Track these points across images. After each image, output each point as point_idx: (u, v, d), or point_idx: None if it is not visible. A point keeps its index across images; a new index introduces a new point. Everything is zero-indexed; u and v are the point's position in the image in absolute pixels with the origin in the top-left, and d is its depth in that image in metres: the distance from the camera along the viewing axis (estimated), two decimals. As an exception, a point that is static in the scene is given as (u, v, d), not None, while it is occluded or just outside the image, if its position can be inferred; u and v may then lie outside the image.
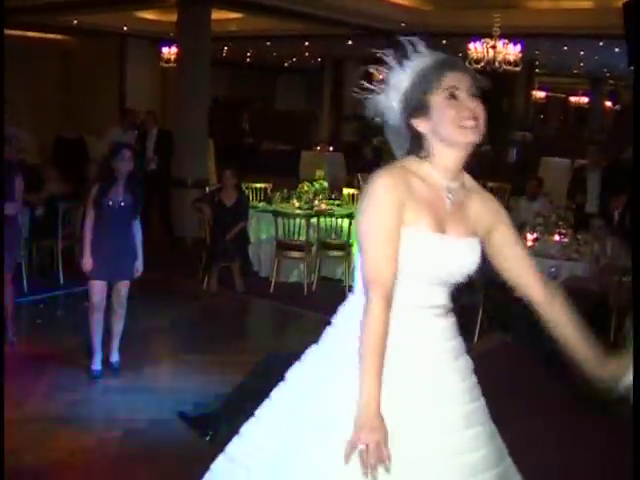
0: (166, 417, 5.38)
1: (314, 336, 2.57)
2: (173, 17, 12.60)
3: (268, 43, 19.10)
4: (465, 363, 2.54)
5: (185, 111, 11.86)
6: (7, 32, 14.94)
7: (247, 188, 10.57)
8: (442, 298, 2.49)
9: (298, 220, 9.08)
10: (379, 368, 2.21)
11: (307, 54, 21.62)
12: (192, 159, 11.88)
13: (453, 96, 2.34)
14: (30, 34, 16.26)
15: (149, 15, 16.06)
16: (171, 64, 15.87)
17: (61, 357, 6.60)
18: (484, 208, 2.55)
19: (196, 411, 5.16)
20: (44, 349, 6.80)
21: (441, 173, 2.44)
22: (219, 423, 4.86)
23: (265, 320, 8.85)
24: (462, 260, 2.44)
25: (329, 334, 2.53)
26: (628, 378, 2.42)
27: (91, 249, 6.21)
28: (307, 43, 18.96)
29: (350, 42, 18.08)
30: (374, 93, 2.49)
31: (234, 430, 4.68)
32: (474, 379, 2.55)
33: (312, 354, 2.56)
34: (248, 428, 2.67)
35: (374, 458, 2.12)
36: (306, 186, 10.36)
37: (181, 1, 11.77)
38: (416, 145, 2.45)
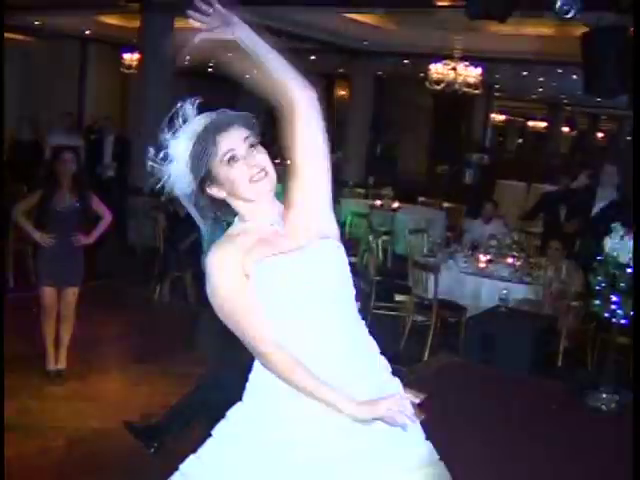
0: (111, 427, 5.31)
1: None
2: (136, 23, 12.54)
3: (230, 54, 19.07)
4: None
5: (144, 118, 11.79)
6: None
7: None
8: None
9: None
10: (314, 379, 2.27)
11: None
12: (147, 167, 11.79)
13: (234, 159, 2.36)
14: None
15: (112, 20, 15.95)
16: (132, 70, 15.78)
17: (8, 362, 6.49)
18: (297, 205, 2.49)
19: (142, 421, 5.11)
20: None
21: (257, 220, 2.45)
22: (165, 434, 4.82)
23: (216, 333, 8.76)
24: (316, 266, 2.39)
25: (248, 398, 2.50)
26: None
27: (40, 254, 6.19)
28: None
29: (313, 57, 18.13)
30: (159, 164, 2.45)
31: (180, 442, 4.66)
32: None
33: (237, 413, 2.52)
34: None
35: (396, 414, 2.19)
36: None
37: (145, 8, 11.72)
38: (220, 210, 2.47)
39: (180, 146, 2.42)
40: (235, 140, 2.37)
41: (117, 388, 6.32)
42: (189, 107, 2.47)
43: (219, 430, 2.51)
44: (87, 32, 16.71)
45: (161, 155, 2.44)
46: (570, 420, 5.72)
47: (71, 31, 16.60)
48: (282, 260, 2.36)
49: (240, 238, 2.40)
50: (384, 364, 2.49)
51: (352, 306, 2.47)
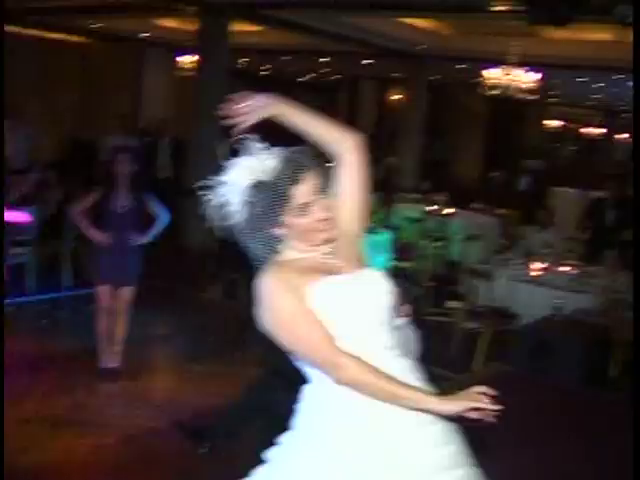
0: (163, 426, 5.35)
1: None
2: (192, 26, 12.65)
3: (286, 57, 19.15)
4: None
5: (200, 120, 11.89)
6: (26, 32, 15.13)
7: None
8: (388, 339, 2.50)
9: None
10: (395, 383, 2.29)
11: (324, 71, 21.68)
12: (204, 168, 11.89)
13: (305, 210, 2.40)
14: (49, 35, 16.34)
15: (168, 23, 16.12)
16: (188, 72, 15.91)
17: (63, 359, 6.61)
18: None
19: (194, 422, 5.14)
20: (46, 350, 6.81)
21: (310, 253, 2.50)
22: (216, 436, 4.83)
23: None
24: (369, 289, 2.47)
25: (300, 424, 2.52)
26: None
27: (97, 253, 6.26)
28: (324, 60, 19.01)
29: (367, 62, 18.13)
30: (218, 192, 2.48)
31: (231, 443, 4.67)
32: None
33: (290, 440, 2.54)
34: None
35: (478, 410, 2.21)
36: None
37: (201, 11, 11.82)
38: (274, 243, 2.49)
39: (244, 183, 2.43)
40: (308, 192, 2.39)
41: (168, 387, 6.38)
42: (253, 141, 2.48)
43: (273, 456, 2.53)
44: (144, 35, 16.89)
45: (222, 186, 2.46)
46: (623, 432, 5.63)
47: (128, 34, 16.80)
48: (337, 281, 2.41)
49: (291, 263, 2.45)
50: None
51: (393, 329, 2.53)
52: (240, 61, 19.39)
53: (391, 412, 2.33)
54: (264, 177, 2.40)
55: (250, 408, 4.69)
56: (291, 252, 2.49)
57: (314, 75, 22.78)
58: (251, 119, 2.53)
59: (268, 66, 21.21)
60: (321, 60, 19.10)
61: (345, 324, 2.38)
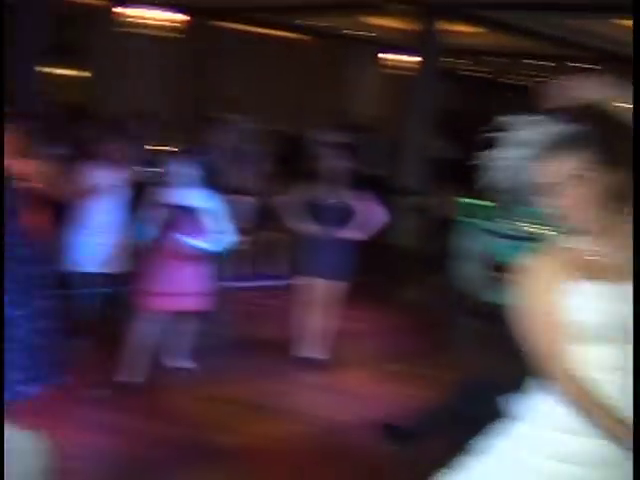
0: (351, 420, 5.39)
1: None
2: (399, 24, 12.67)
3: (499, 59, 18.87)
4: None
5: (408, 120, 11.92)
6: (240, 28, 15.75)
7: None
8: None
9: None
10: (608, 414, 2.17)
11: (535, 73, 21.21)
12: (412, 167, 11.89)
13: (547, 190, 2.26)
14: (265, 31, 16.83)
15: (376, 21, 16.21)
16: (395, 71, 15.99)
17: (269, 346, 6.80)
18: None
19: (391, 421, 5.07)
20: (255, 335, 7.05)
21: (578, 244, 2.32)
22: (411, 437, 4.77)
23: (471, 339, 8.56)
24: (615, 309, 2.24)
25: (509, 434, 2.40)
26: None
27: (304, 246, 6.36)
28: (538, 63, 18.58)
29: (578, 65, 17.55)
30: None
31: (424, 447, 4.58)
32: None
33: (494, 449, 2.42)
34: None
35: None
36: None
37: (415, 11, 11.83)
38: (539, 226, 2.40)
39: (505, 162, 2.37)
40: (556, 173, 2.25)
41: (364, 384, 6.34)
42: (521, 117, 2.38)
43: (470, 462, 2.46)
44: (350, 32, 17.02)
45: (486, 167, 2.41)
46: None
47: (339, 31, 17.02)
48: (596, 288, 2.25)
49: (560, 252, 2.33)
50: None
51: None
52: (456, 62, 19.30)
53: (602, 444, 2.22)
54: (522, 155, 2.34)
55: (449, 416, 4.59)
56: (561, 240, 2.36)
57: (528, 78, 22.35)
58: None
59: (481, 68, 21.02)
60: (535, 63, 18.70)
61: (577, 335, 2.26)
